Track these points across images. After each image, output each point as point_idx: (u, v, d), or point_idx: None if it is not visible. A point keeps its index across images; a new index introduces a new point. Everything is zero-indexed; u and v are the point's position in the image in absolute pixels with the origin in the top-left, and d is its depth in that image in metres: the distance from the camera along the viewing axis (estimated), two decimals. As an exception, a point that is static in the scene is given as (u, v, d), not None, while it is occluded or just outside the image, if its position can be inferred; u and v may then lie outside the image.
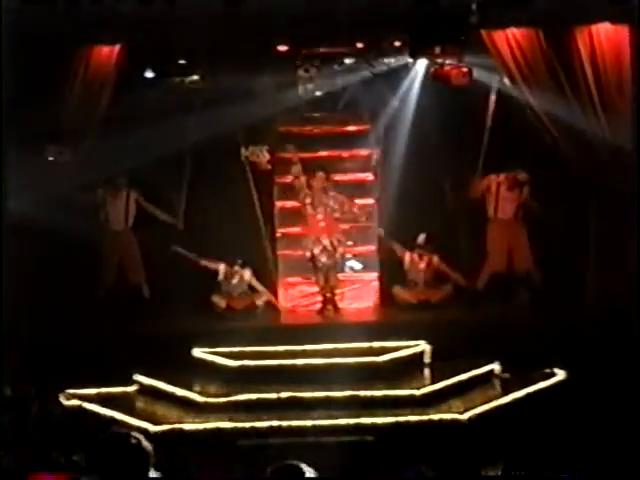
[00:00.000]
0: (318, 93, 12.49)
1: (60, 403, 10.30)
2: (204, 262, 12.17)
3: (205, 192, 12.42)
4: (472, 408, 9.72)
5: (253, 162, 12.32)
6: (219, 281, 12.24)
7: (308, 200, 11.94)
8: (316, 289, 12.22)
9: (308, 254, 11.97)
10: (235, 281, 12.24)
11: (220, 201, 12.30)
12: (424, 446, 9.15)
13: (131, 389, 10.67)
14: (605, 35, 10.95)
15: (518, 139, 11.74)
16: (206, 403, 9.97)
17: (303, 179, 11.93)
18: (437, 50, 12.01)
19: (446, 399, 9.99)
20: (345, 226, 12.27)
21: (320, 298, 12.16)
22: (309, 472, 5.31)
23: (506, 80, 11.42)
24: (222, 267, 12.23)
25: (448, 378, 10.22)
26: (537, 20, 10.86)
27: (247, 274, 12.26)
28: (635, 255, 10.90)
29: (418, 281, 12.31)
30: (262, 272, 12.46)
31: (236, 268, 12.23)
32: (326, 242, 11.88)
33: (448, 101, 12.17)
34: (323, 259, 11.90)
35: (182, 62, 12.00)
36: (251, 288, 12.35)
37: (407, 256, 12.30)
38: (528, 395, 10.21)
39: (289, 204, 12.40)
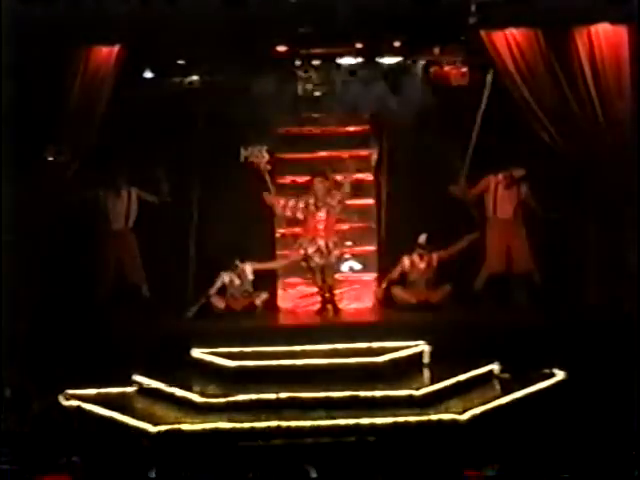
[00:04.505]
0: (318, 93, 12.49)
1: (59, 404, 10.29)
2: (211, 292, 12.13)
3: (205, 192, 12.43)
4: (471, 408, 9.71)
5: (253, 162, 12.31)
6: (225, 286, 12.23)
7: (312, 200, 11.94)
8: (315, 289, 12.22)
9: (302, 252, 11.97)
10: (238, 282, 12.23)
11: (220, 201, 12.30)
12: (423, 446, 9.15)
13: (130, 389, 10.67)
14: (604, 35, 10.96)
15: (517, 139, 11.75)
16: (205, 403, 9.96)
17: (300, 211, 11.93)
18: (437, 50, 12.05)
19: (445, 399, 9.97)
20: (345, 226, 12.27)
21: (319, 299, 12.16)
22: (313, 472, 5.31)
23: (505, 80, 11.39)
24: (226, 277, 12.21)
25: (447, 378, 10.21)
26: (536, 20, 10.86)
27: (249, 268, 12.24)
28: (635, 255, 10.91)
29: (418, 281, 12.31)
30: (262, 272, 12.43)
31: (237, 267, 12.21)
32: (321, 243, 11.88)
33: (448, 101, 12.20)
34: (316, 259, 11.90)
35: (182, 62, 12.02)
36: (254, 284, 12.32)
37: (406, 258, 12.27)
38: (527, 395, 10.20)
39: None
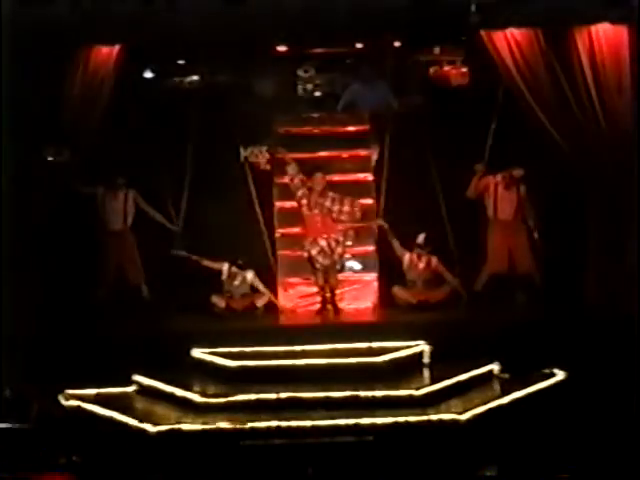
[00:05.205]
0: (318, 93, 12.49)
1: (59, 404, 10.29)
2: (206, 263, 12.16)
3: (204, 193, 12.42)
4: (471, 408, 9.71)
5: (252, 162, 12.31)
6: (222, 280, 12.23)
7: (304, 201, 11.92)
8: (316, 289, 12.21)
9: (306, 255, 11.96)
10: (237, 282, 12.22)
11: (219, 202, 12.29)
12: (423, 446, 9.16)
13: (130, 389, 10.67)
14: (604, 35, 10.97)
15: (517, 139, 11.76)
16: (205, 403, 9.96)
17: (298, 180, 11.89)
18: (437, 50, 12.06)
19: (445, 399, 9.97)
20: (344, 226, 12.25)
21: (319, 298, 12.15)
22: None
23: (505, 80, 11.40)
24: (225, 267, 12.21)
25: (447, 378, 10.21)
26: (537, 20, 10.87)
27: (249, 275, 12.24)
28: (635, 255, 10.91)
29: (417, 281, 12.30)
30: (262, 272, 12.44)
31: (237, 269, 12.20)
32: (323, 243, 11.85)
33: (447, 101, 12.20)
34: (321, 260, 11.89)
35: (182, 62, 12.03)
36: (253, 289, 12.33)
37: (406, 256, 12.30)
38: (528, 395, 10.20)
39: (288, 204, 12.35)
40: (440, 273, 12.25)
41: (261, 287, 12.32)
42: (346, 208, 11.90)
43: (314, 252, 11.88)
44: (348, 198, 11.96)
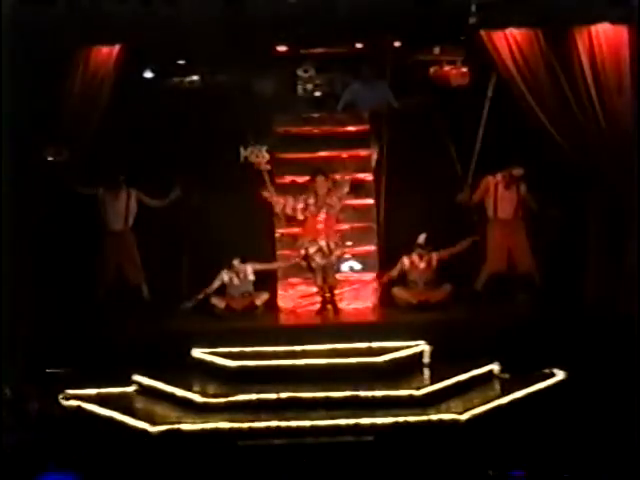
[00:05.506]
0: (318, 93, 12.48)
1: (59, 403, 10.29)
2: (209, 289, 12.11)
3: (204, 192, 12.43)
4: (471, 408, 9.72)
5: (252, 162, 12.31)
6: (225, 284, 12.20)
7: (312, 200, 11.93)
8: (316, 289, 12.21)
9: (302, 252, 11.96)
10: (237, 282, 12.20)
11: (219, 201, 12.30)
12: (423, 446, 9.16)
13: (130, 389, 10.67)
14: (604, 35, 10.98)
15: (517, 139, 11.76)
16: (205, 403, 9.97)
17: (299, 212, 11.93)
18: (437, 50, 12.07)
19: (445, 399, 9.98)
20: (345, 226, 12.26)
21: (319, 298, 12.15)
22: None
23: (505, 80, 11.40)
24: (225, 275, 12.18)
25: (447, 378, 10.22)
26: (537, 20, 10.87)
27: (249, 268, 12.23)
28: (635, 255, 10.92)
29: (419, 282, 12.30)
30: (262, 272, 12.43)
31: (236, 266, 12.18)
32: (322, 243, 11.86)
33: (448, 101, 12.20)
34: (317, 259, 11.89)
35: (182, 62, 12.03)
36: (255, 285, 12.30)
37: (406, 260, 12.27)
38: (527, 395, 10.20)
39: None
40: (447, 257, 12.19)
41: (267, 266, 12.28)
42: (338, 191, 11.91)
43: (312, 250, 11.88)
44: (337, 183, 11.96)
